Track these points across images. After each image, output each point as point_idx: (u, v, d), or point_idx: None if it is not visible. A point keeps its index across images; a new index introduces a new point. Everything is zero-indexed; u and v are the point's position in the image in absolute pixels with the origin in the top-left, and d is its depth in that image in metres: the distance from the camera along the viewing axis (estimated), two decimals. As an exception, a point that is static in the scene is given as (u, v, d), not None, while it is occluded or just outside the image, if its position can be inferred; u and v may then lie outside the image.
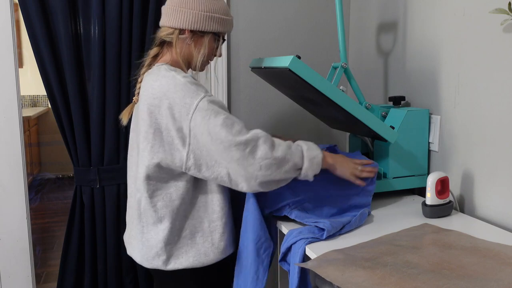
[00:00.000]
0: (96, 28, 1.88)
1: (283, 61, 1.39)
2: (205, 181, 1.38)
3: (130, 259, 1.83)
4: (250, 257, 1.40)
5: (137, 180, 1.38)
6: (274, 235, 1.63)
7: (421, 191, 1.71)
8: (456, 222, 1.45)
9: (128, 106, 1.51)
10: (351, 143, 1.88)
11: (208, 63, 1.48)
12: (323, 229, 1.32)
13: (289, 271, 1.34)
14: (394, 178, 1.66)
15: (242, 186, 1.29)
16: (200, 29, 1.37)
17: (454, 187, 1.62)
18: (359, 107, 1.49)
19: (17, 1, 1.84)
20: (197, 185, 1.38)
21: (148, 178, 1.33)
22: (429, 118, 1.70)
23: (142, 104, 1.34)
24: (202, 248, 1.39)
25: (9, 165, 1.92)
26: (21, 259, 1.98)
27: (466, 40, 1.55)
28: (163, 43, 1.43)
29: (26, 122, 4.82)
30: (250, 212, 1.41)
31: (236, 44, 2.11)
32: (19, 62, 2.11)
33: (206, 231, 1.39)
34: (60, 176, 5.57)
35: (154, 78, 1.34)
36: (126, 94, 1.95)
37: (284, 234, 1.39)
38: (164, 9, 1.42)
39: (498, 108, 1.44)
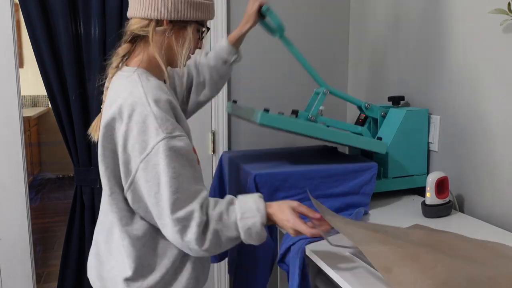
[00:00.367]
0: (96, 28, 1.88)
1: (255, 116, 1.40)
2: None
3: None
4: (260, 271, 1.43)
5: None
6: (273, 235, 1.63)
7: (421, 191, 1.71)
8: (455, 222, 1.45)
9: (96, 119, 1.26)
10: (351, 143, 1.89)
11: (190, 57, 1.24)
12: None
13: (287, 272, 1.34)
14: (393, 178, 1.66)
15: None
16: (181, 18, 1.13)
17: (454, 187, 1.62)
18: (340, 134, 1.50)
19: (17, 1, 1.84)
20: None
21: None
22: (429, 118, 1.70)
23: (104, 117, 1.13)
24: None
25: (10, 165, 1.92)
26: (21, 258, 1.99)
27: (466, 40, 1.55)
28: (135, 39, 1.17)
29: (27, 122, 4.82)
30: None
31: (236, 44, 2.11)
32: (20, 62, 2.12)
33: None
34: (61, 176, 5.57)
35: (122, 88, 1.11)
36: (126, 94, 1.95)
37: (284, 234, 1.39)
38: None
39: (498, 108, 1.44)
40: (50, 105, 2.52)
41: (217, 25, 2.04)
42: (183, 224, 1.03)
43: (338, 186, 1.48)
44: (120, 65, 1.18)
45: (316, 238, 1.30)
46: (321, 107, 1.58)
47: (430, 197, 1.47)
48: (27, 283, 2.00)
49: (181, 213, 1.03)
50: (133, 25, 1.15)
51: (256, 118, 1.39)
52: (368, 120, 1.77)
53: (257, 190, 1.39)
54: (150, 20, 1.12)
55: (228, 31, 2.06)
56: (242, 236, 1.09)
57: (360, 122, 1.76)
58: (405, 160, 1.67)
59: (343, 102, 2.16)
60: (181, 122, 1.12)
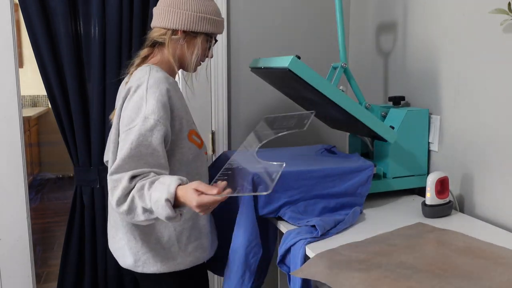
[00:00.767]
0: (96, 28, 1.88)
1: (283, 61, 1.39)
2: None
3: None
4: (238, 261, 1.42)
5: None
6: (273, 235, 1.63)
7: (421, 191, 1.71)
8: (455, 222, 1.45)
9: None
10: (351, 143, 1.88)
11: (200, 64, 1.49)
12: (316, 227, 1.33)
13: (288, 273, 1.34)
14: (394, 178, 1.66)
15: None
16: (193, 30, 1.39)
17: (454, 187, 1.62)
18: (359, 107, 1.49)
19: (17, 1, 1.84)
20: None
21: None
22: (429, 118, 1.70)
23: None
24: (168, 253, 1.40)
25: (9, 165, 1.92)
26: (21, 259, 1.99)
27: (466, 40, 1.55)
28: (155, 44, 1.43)
29: (27, 122, 4.82)
30: (244, 216, 1.42)
31: (236, 44, 2.11)
32: (19, 62, 2.11)
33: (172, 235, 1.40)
34: (60, 176, 5.56)
35: (136, 77, 1.35)
36: (126, 94, 1.95)
37: (284, 234, 1.39)
38: (156, 10, 1.42)
39: (498, 108, 1.44)
40: (50, 105, 2.52)
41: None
42: (113, 185, 1.22)
43: (334, 186, 1.48)
44: (140, 64, 1.42)
45: (314, 237, 1.31)
46: (342, 87, 1.57)
47: (430, 197, 1.47)
48: (27, 283, 2.00)
49: (115, 176, 1.22)
50: (154, 33, 1.42)
51: (285, 63, 1.38)
52: (368, 120, 1.77)
53: (255, 190, 1.39)
54: (168, 29, 1.39)
55: (228, 31, 2.07)
56: (152, 207, 1.17)
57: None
58: (405, 160, 1.67)
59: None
60: (176, 110, 1.33)
